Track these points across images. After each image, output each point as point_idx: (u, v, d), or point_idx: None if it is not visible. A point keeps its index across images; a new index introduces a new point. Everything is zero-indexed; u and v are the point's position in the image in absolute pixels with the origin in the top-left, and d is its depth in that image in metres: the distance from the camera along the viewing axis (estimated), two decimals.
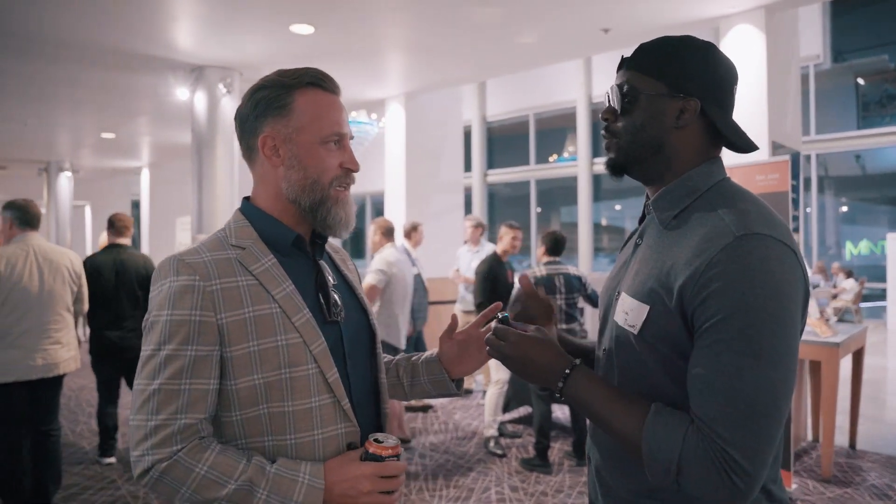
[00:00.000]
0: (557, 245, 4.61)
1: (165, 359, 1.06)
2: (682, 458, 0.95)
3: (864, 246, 14.35)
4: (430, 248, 6.68)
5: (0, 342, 3.34)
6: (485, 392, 5.83)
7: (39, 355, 3.43)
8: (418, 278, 5.47)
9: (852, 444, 4.76)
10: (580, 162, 14.46)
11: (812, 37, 12.74)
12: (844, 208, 14.78)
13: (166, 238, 12.22)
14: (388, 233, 4.85)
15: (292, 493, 1.05)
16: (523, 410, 5.80)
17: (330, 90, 1.20)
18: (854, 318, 11.53)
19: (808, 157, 13.14)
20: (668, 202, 1.11)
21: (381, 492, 1.10)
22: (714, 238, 0.98)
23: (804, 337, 3.99)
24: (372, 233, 4.85)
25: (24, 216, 3.51)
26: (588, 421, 1.25)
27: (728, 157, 3.16)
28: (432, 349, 1.43)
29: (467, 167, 13.52)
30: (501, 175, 16.33)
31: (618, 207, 16.03)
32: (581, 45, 6.14)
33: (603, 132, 1.17)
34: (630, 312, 1.08)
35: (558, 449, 4.78)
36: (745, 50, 5.01)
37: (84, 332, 4.71)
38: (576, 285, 4.54)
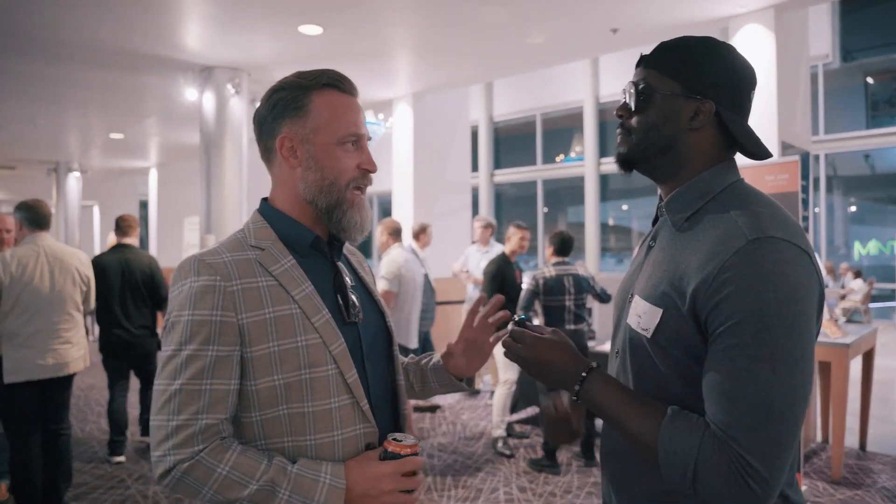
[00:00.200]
0: (565, 245, 4.60)
1: (186, 359, 1.07)
2: (698, 463, 0.95)
3: (872, 246, 14.26)
4: (438, 248, 6.68)
5: (11, 342, 3.36)
6: (492, 392, 5.83)
7: (50, 355, 3.45)
8: (426, 279, 5.47)
9: (862, 446, 4.73)
10: (587, 162, 14.43)
11: (821, 36, 12.67)
12: (853, 208, 14.69)
13: (174, 238, 12.26)
14: (395, 233, 4.86)
15: (314, 493, 1.05)
16: (531, 411, 5.79)
17: (347, 91, 1.21)
18: (863, 318, 11.47)
19: (816, 157, 13.07)
20: (681, 204, 1.11)
21: (402, 491, 1.10)
22: (727, 241, 0.98)
23: None
24: (379, 233, 4.86)
25: (34, 217, 3.52)
26: (602, 422, 1.25)
27: (738, 157, 3.17)
28: (438, 354, 1.44)
29: (474, 167, 13.51)
30: (508, 175, 16.32)
31: (625, 207, 15.98)
32: (589, 46, 6.14)
33: (618, 129, 1.17)
34: (643, 316, 1.07)
35: (566, 449, 4.78)
36: (754, 50, 4.99)
37: (94, 329, 4.77)
38: (585, 286, 4.54)
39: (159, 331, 5.18)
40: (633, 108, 1.13)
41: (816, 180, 13.19)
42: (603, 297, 4.68)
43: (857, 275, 12.19)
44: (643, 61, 1.14)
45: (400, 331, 4.64)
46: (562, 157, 15.78)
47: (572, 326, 4.48)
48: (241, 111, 6.48)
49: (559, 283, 4.46)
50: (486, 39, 5.72)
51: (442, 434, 5.26)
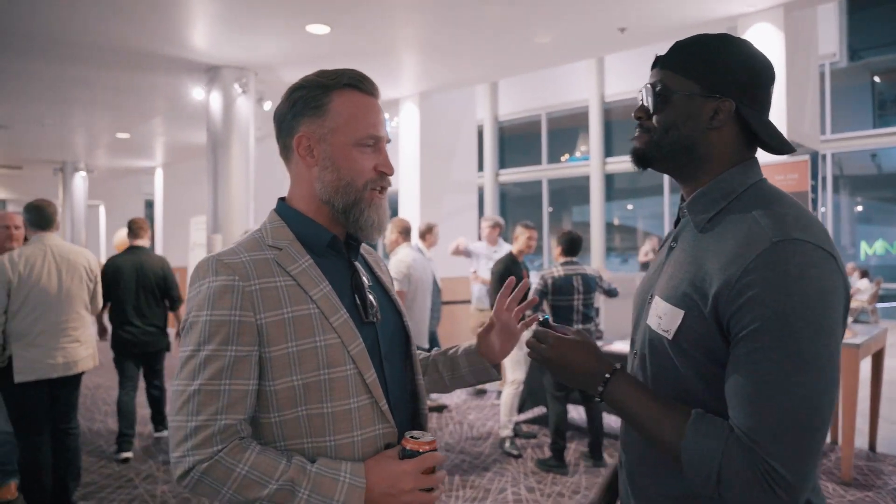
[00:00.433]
0: (573, 245, 4.60)
1: (205, 359, 1.06)
2: (722, 467, 0.93)
3: (879, 246, 14.19)
4: (444, 248, 6.68)
5: (20, 341, 3.37)
6: (499, 392, 5.82)
7: (59, 353, 3.46)
8: (432, 279, 5.48)
9: (872, 447, 4.71)
10: (592, 161, 14.41)
11: (828, 35, 12.62)
12: (859, 208, 14.63)
13: (180, 237, 12.27)
14: (405, 232, 4.87)
15: (333, 493, 1.04)
16: (538, 411, 5.78)
17: (367, 92, 1.20)
18: (870, 318, 11.42)
19: (823, 157, 13.02)
20: (703, 205, 1.09)
21: (422, 489, 1.10)
22: (750, 243, 0.96)
23: None
24: (389, 231, 4.86)
25: (36, 218, 3.53)
26: (620, 424, 1.24)
27: None
28: (469, 342, 1.44)
29: (479, 167, 13.51)
30: (513, 175, 16.30)
31: (630, 207, 15.95)
32: (597, 45, 6.12)
33: (636, 130, 1.15)
34: (663, 317, 1.06)
35: (574, 449, 4.77)
36: (763, 49, 4.95)
37: (107, 326, 4.95)
38: (593, 285, 4.54)
39: (170, 330, 5.25)
40: (651, 111, 1.12)
41: (823, 180, 13.14)
42: (611, 293, 4.69)
43: (864, 274, 12.14)
44: (659, 62, 1.13)
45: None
46: (567, 156, 15.76)
47: (580, 326, 4.48)
48: (247, 111, 6.47)
49: (568, 282, 4.45)
50: (493, 39, 5.71)
51: (449, 434, 5.25)
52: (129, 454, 4.63)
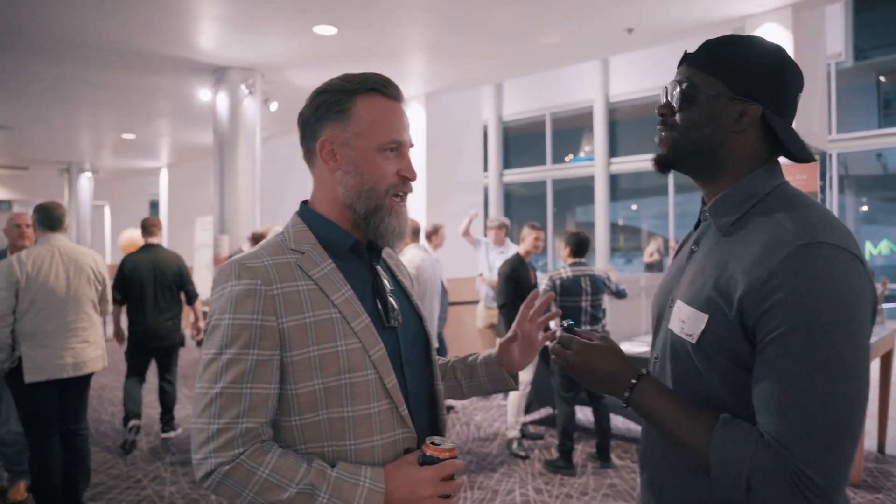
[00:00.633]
0: (581, 246, 4.59)
1: (227, 362, 1.07)
2: (752, 473, 0.92)
3: (884, 246, 14.14)
4: (449, 248, 6.67)
5: (29, 342, 3.37)
6: (506, 394, 5.82)
7: (68, 354, 3.47)
8: (440, 279, 5.48)
9: (881, 449, 4.70)
10: (597, 162, 14.39)
11: (834, 34, 12.57)
12: (865, 208, 14.58)
13: (185, 238, 12.30)
14: (414, 233, 4.88)
15: (353, 497, 1.04)
16: (545, 412, 5.78)
17: (392, 96, 1.19)
18: (877, 319, 11.39)
19: (828, 157, 12.99)
20: (726, 208, 1.08)
21: (441, 496, 1.10)
22: (775, 246, 0.95)
23: None
24: None
25: (45, 219, 3.55)
26: (641, 428, 1.24)
27: None
28: (488, 350, 1.43)
29: (484, 167, 13.51)
30: (517, 175, 16.29)
31: (634, 207, 15.92)
32: (604, 45, 6.11)
33: (658, 126, 1.14)
34: (687, 321, 1.05)
35: (581, 451, 4.76)
36: None
37: (124, 329, 5.09)
38: (601, 286, 4.53)
39: (183, 325, 5.44)
40: (675, 108, 1.11)
41: (829, 179, 13.10)
42: (620, 295, 4.68)
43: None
44: (687, 59, 1.12)
45: None
46: (571, 156, 15.74)
47: (588, 327, 4.48)
48: (254, 111, 6.48)
49: (576, 283, 4.45)
50: (500, 39, 5.71)
51: (456, 435, 5.25)
52: (138, 422, 4.87)
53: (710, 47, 1.09)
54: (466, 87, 7.50)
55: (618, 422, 5.34)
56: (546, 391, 5.33)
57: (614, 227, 15.27)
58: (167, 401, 5.15)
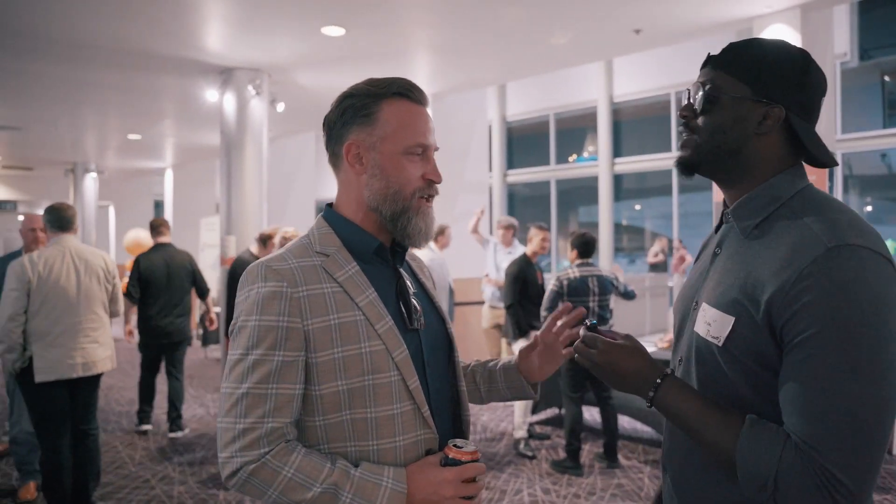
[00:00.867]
0: (587, 247, 4.59)
1: (253, 363, 1.08)
2: (779, 474, 0.92)
3: (889, 246, 14.13)
4: (455, 248, 6.67)
5: (40, 342, 3.39)
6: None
7: (78, 354, 3.48)
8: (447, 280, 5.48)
9: (889, 450, 4.69)
10: (601, 162, 14.38)
11: (839, 34, 12.55)
12: (869, 208, 14.55)
13: (190, 238, 12.31)
14: None
15: (376, 497, 1.06)
16: (551, 412, 5.78)
17: (417, 101, 1.20)
18: None
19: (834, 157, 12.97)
20: (750, 210, 1.08)
21: (462, 497, 1.11)
22: (803, 249, 0.95)
23: None
24: None
25: (56, 220, 3.57)
26: (664, 428, 1.24)
27: None
28: (509, 357, 1.43)
29: (488, 167, 13.51)
30: (522, 175, 16.29)
31: (637, 207, 15.91)
32: (612, 46, 6.10)
33: (680, 128, 1.15)
34: (713, 324, 1.05)
35: (588, 451, 4.76)
36: None
37: (134, 330, 5.38)
38: (608, 287, 4.53)
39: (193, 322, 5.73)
40: (698, 110, 1.11)
41: (834, 180, 13.08)
42: (628, 296, 4.68)
43: None
44: (711, 61, 1.12)
45: None
46: (575, 156, 15.73)
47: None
48: (261, 112, 6.49)
49: (583, 284, 4.45)
50: (507, 40, 5.71)
51: None
52: (148, 426, 5.32)
53: (733, 49, 1.09)
54: (473, 87, 7.50)
55: (625, 422, 5.35)
56: (553, 391, 5.33)
57: (618, 228, 15.26)
58: (174, 396, 5.26)
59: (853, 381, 0.90)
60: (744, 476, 0.97)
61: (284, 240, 4.72)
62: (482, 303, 6.46)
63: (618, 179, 14.51)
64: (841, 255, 0.92)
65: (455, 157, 7.80)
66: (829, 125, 5.45)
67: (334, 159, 1.23)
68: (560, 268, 4.32)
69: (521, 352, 1.40)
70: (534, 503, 3.87)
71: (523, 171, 16.24)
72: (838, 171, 13.16)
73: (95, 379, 3.66)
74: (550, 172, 15.69)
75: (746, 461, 0.96)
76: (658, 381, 1.09)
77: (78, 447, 3.59)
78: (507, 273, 4.90)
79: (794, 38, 4.88)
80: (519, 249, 5.96)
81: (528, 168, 16.15)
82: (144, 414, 5.35)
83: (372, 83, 1.20)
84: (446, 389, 1.26)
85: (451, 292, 5.74)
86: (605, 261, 14.02)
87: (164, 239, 5.35)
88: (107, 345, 3.67)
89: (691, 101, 1.12)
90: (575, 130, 15.71)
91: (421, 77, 6.80)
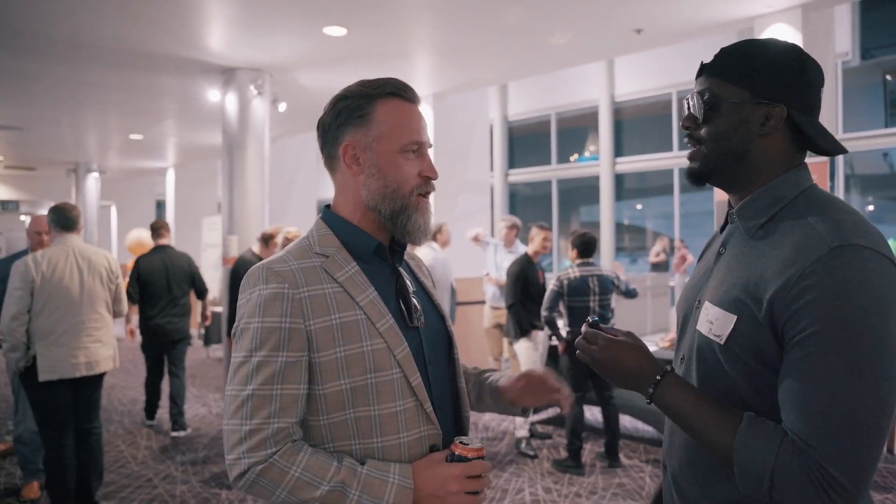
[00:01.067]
0: (587, 247, 4.60)
1: (257, 365, 1.09)
2: (775, 471, 0.93)
3: (893, 246, 14.10)
4: (457, 249, 6.68)
5: (44, 341, 3.41)
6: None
7: (81, 353, 3.50)
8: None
9: (890, 449, 4.69)
10: (602, 161, 14.38)
11: (840, 34, 12.55)
12: (871, 207, 14.54)
13: (192, 238, 12.33)
14: None
15: (383, 493, 1.07)
16: (553, 412, 5.79)
17: (409, 99, 1.22)
18: None
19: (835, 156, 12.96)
20: (754, 211, 1.09)
21: (468, 492, 1.12)
22: (807, 248, 0.96)
23: None
24: None
25: (60, 220, 3.58)
26: (665, 429, 1.25)
27: None
28: (499, 373, 1.41)
29: (489, 166, 13.51)
30: (523, 174, 16.29)
31: (639, 207, 15.91)
32: (612, 46, 6.11)
33: (686, 139, 1.15)
34: (715, 322, 1.06)
35: (590, 450, 4.77)
36: None
37: (135, 329, 5.52)
38: (609, 286, 4.54)
39: (192, 331, 5.81)
40: (700, 119, 1.11)
41: (835, 179, 13.08)
42: (630, 294, 4.68)
43: None
44: (706, 70, 1.12)
45: None
46: (576, 156, 15.73)
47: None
48: (263, 112, 6.50)
49: (584, 283, 4.46)
50: (508, 40, 5.72)
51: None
52: (154, 422, 5.53)
53: (726, 54, 1.10)
54: (474, 87, 7.51)
55: (626, 421, 5.36)
56: None
57: (619, 227, 15.26)
58: (175, 393, 5.34)
59: (852, 381, 0.90)
60: (741, 473, 0.97)
61: (287, 240, 4.74)
62: (483, 302, 6.47)
63: (619, 179, 14.51)
64: (844, 255, 0.93)
65: (456, 157, 7.80)
66: (830, 125, 5.46)
67: (330, 161, 1.24)
68: (562, 267, 4.33)
69: (503, 385, 1.36)
70: (535, 502, 3.88)
71: (525, 170, 16.24)
72: (840, 171, 13.16)
73: (98, 378, 3.68)
74: (552, 172, 15.69)
75: (744, 458, 0.97)
76: (658, 377, 1.09)
77: (81, 446, 3.61)
78: (508, 273, 4.91)
79: (794, 38, 4.88)
80: (520, 249, 5.97)
81: (529, 168, 16.16)
82: (152, 409, 5.56)
83: (364, 84, 1.21)
84: (447, 386, 1.27)
85: (454, 292, 5.76)
86: (606, 260, 14.02)
87: (163, 241, 5.48)
88: (109, 344, 3.69)
89: (692, 111, 1.13)
90: (576, 130, 15.71)
91: (422, 77, 6.81)
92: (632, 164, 14.21)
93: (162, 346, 5.39)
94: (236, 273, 4.86)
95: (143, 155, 12.56)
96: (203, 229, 10.81)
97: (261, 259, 4.67)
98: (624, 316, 5.45)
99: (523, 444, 4.77)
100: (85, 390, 3.61)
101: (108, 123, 9.69)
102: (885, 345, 0.91)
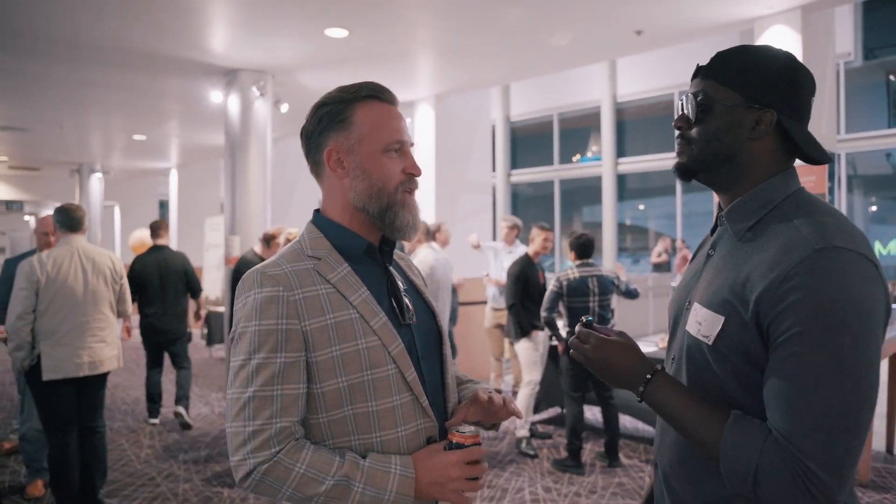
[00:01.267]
0: (585, 248, 4.61)
1: (257, 367, 1.12)
2: (759, 468, 0.96)
3: (893, 246, 14.08)
4: (459, 248, 6.71)
5: (48, 340, 3.44)
6: (515, 393, 5.85)
7: (85, 352, 3.53)
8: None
9: (889, 449, 4.71)
10: (604, 162, 14.39)
11: (843, 34, 12.53)
12: (874, 208, 14.51)
13: (195, 238, 12.37)
14: (425, 233, 4.92)
15: (386, 484, 1.10)
16: (553, 411, 5.81)
17: (387, 101, 1.25)
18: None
19: (837, 157, 12.94)
20: (743, 214, 1.12)
21: (468, 478, 1.16)
22: (791, 250, 0.98)
23: None
24: None
25: (66, 220, 3.62)
26: (657, 427, 1.27)
27: None
28: (473, 390, 1.36)
29: (491, 167, 13.52)
30: (525, 175, 16.30)
31: (641, 207, 15.90)
32: (613, 47, 6.12)
33: (677, 139, 1.18)
34: (703, 323, 1.08)
35: (590, 450, 4.79)
36: None
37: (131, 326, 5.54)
38: (609, 287, 4.56)
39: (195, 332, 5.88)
40: (692, 120, 1.14)
41: (837, 179, 13.05)
42: (631, 294, 4.68)
43: None
44: (701, 72, 1.15)
45: None
46: (578, 156, 15.74)
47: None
48: (265, 113, 6.53)
49: (583, 284, 4.48)
50: (509, 41, 5.74)
51: None
52: (156, 420, 5.60)
53: (722, 58, 1.12)
54: (475, 88, 7.53)
55: (626, 421, 5.37)
56: (555, 391, 5.36)
57: (622, 227, 15.26)
58: (181, 380, 5.53)
59: (833, 380, 0.93)
60: (727, 469, 1.00)
61: (288, 241, 4.77)
62: (484, 302, 6.49)
63: (621, 179, 14.52)
64: (826, 257, 0.95)
65: (457, 158, 7.82)
66: (831, 125, 5.47)
67: (316, 167, 1.27)
68: (564, 268, 4.35)
69: (461, 407, 1.30)
70: (535, 501, 3.90)
71: (527, 171, 16.26)
72: (842, 171, 13.14)
73: (102, 377, 3.71)
74: (554, 172, 15.70)
75: (729, 455, 0.99)
76: (648, 376, 1.12)
77: (85, 444, 3.64)
78: (508, 273, 4.93)
79: (794, 40, 4.90)
80: (520, 249, 5.99)
81: (531, 168, 16.17)
82: (154, 408, 5.62)
83: (343, 90, 1.24)
84: (439, 380, 1.30)
85: (455, 291, 5.79)
86: (608, 261, 14.03)
87: (161, 241, 5.58)
88: (113, 344, 3.72)
89: (685, 111, 1.15)
90: (579, 130, 15.71)
91: (423, 78, 6.84)
92: (634, 164, 14.21)
93: (159, 344, 5.53)
94: (238, 273, 4.89)
95: (146, 155, 12.60)
96: (206, 229, 10.85)
97: (263, 259, 4.72)
98: (625, 316, 5.47)
99: (524, 444, 4.79)
100: (89, 389, 3.64)
101: (111, 124, 9.74)
102: (864, 344, 0.94)
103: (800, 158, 1.14)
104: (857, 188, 14.09)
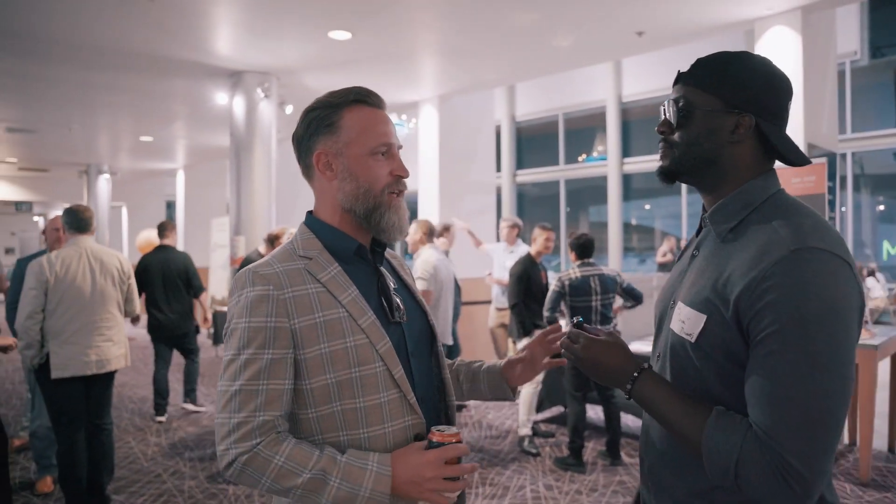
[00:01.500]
0: (585, 248, 4.62)
1: (245, 362, 1.16)
2: (739, 461, 1.00)
3: None
4: (463, 248, 6.75)
5: (56, 339, 3.50)
6: (518, 391, 5.88)
7: (93, 351, 3.58)
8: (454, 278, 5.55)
9: (891, 448, 4.71)
10: (610, 161, 14.39)
11: (849, 32, 12.48)
12: (881, 207, 14.44)
13: (202, 238, 12.45)
14: (429, 233, 4.95)
15: (362, 480, 1.13)
16: (556, 410, 5.84)
17: (374, 105, 1.29)
18: (891, 319, 11.28)
19: (843, 156, 12.89)
20: (724, 215, 1.15)
21: (447, 478, 1.17)
22: (769, 251, 1.02)
23: None
24: (413, 231, 4.94)
25: (74, 221, 3.67)
26: (642, 422, 1.31)
27: None
28: (494, 361, 1.51)
29: (497, 167, 13.55)
30: (531, 175, 16.31)
31: (647, 207, 15.88)
32: (615, 48, 6.15)
33: (660, 143, 1.22)
34: (686, 321, 1.12)
35: (591, 448, 4.82)
36: (780, 52, 4.95)
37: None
38: (611, 286, 4.57)
39: (197, 315, 6.16)
40: (674, 125, 1.18)
41: (843, 179, 13.01)
42: (633, 295, 4.68)
43: (871, 273, 11.98)
44: (681, 78, 1.19)
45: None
46: (584, 156, 15.74)
47: (598, 327, 4.52)
48: (270, 115, 6.59)
49: (585, 283, 4.50)
50: (512, 42, 5.77)
51: (468, 432, 5.33)
52: (163, 418, 5.69)
53: (701, 65, 1.16)
54: (478, 89, 7.56)
55: (628, 420, 5.40)
56: (557, 390, 5.39)
57: (627, 227, 15.25)
58: (188, 373, 5.79)
59: (809, 376, 0.97)
60: (709, 462, 1.04)
61: None
62: (487, 302, 6.53)
63: (627, 179, 14.51)
64: (802, 258, 0.99)
65: (462, 158, 7.86)
66: (832, 126, 5.47)
67: (307, 171, 1.32)
68: (570, 268, 4.39)
69: (507, 361, 1.47)
70: (536, 499, 3.93)
71: (532, 171, 16.26)
72: (849, 171, 13.09)
73: (109, 376, 3.77)
74: (560, 172, 15.71)
75: (711, 449, 1.03)
76: (636, 374, 1.17)
77: (93, 442, 3.70)
78: (511, 273, 4.97)
79: (795, 40, 4.91)
80: (521, 248, 6.02)
81: (537, 168, 16.17)
82: (160, 405, 5.71)
83: (331, 95, 1.28)
84: (431, 378, 1.34)
85: (459, 290, 5.82)
86: (614, 261, 14.04)
87: (166, 241, 5.71)
88: (121, 343, 3.77)
89: (667, 116, 1.19)
90: (584, 130, 15.70)
91: (427, 79, 6.88)
92: (640, 164, 14.20)
93: (165, 341, 5.71)
94: None
95: (153, 156, 12.70)
96: (212, 230, 10.92)
97: None
98: (629, 316, 5.49)
99: (526, 442, 4.83)
100: (96, 388, 3.70)
101: (118, 126, 9.83)
102: (839, 341, 0.98)
103: (779, 160, 1.18)
104: (864, 187, 14.02)
